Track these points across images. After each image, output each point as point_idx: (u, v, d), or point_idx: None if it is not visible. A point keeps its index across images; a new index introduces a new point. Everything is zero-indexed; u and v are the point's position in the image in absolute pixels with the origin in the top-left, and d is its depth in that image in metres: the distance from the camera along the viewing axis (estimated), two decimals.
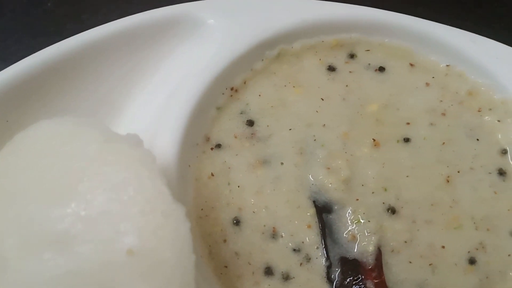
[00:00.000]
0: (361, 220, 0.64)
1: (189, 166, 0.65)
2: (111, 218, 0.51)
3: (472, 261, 0.64)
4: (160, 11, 0.70)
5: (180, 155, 0.63)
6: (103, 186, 0.51)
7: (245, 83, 0.71)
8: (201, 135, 0.68)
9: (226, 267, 0.62)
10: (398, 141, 0.70)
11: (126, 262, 0.50)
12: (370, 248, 0.63)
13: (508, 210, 0.68)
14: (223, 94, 0.70)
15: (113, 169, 0.52)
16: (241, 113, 0.70)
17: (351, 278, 0.61)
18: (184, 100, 0.65)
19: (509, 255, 0.65)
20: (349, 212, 0.65)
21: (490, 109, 0.72)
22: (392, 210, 0.65)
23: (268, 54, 0.72)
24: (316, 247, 0.63)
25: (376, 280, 0.60)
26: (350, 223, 0.64)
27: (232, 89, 0.70)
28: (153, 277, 0.50)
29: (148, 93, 0.70)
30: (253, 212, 0.65)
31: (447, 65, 0.74)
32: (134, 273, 0.50)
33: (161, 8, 0.71)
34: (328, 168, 0.67)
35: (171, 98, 0.66)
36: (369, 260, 0.62)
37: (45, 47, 0.67)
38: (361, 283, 0.60)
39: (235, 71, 0.70)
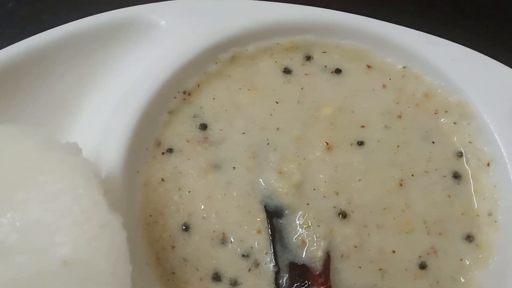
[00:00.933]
0: (311, 225, 0.64)
1: (138, 171, 0.65)
2: (46, 228, 0.50)
3: (423, 266, 0.64)
4: (112, 13, 0.69)
5: (127, 161, 0.63)
6: (38, 196, 0.51)
7: (198, 86, 0.71)
8: (151, 139, 0.67)
9: (173, 273, 0.62)
10: (351, 144, 0.69)
11: (61, 273, 0.49)
12: (319, 253, 0.63)
13: (462, 214, 0.67)
14: (175, 97, 0.69)
15: (49, 179, 0.52)
16: (194, 117, 0.70)
17: (298, 283, 0.61)
18: (133, 105, 0.65)
19: (461, 260, 0.65)
20: (299, 217, 0.64)
21: (446, 111, 0.71)
22: (343, 215, 0.65)
23: (222, 57, 0.71)
24: (265, 252, 0.63)
25: (322, 286, 0.60)
26: (300, 228, 0.64)
27: (185, 92, 0.70)
28: (88, 287, 0.50)
29: (101, 97, 0.69)
30: (203, 217, 0.64)
31: (403, 67, 0.73)
32: (69, 284, 0.50)
33: (113, 10, 0.70)
34: (280, 172, 0.67)
35: (120, 103, 0.65)
36: (318, 265, 0.62)
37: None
38: None
39: (187, 74, 0.69)
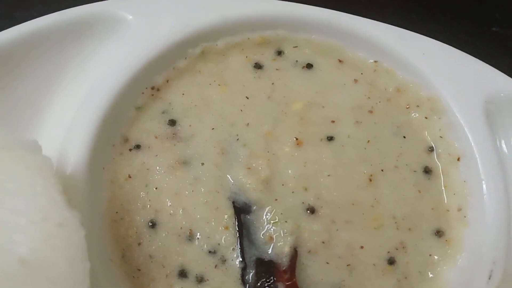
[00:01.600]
0: (278, 221, 0.64)
1: (104, 168, 0.64)
2: (3, 227, 0.50)
3: (391, 262, 0.64)
4: (79, 9, 0.69)
5: (92, 157, 0.62)
6: None
7: (168, 81, 0.70)
8: (118, 136, 0.66)
9: (139, 270, 0.62)
10: (321, 140, 0.69)
11: (18, 272, 0.49)
12: (286, 249, 0.62)
13: (432, 209, 0.67)
14: (143, 93, 0.68)
15: (7, 178, 0.51)
16: (163, 113, 0.69)
17: (264, 279, 0.61)
18: (98, 101, 0.64)
19: (430, 255, 0.65)
20: (267, 213, 0.64)
21: (418, 106, 0.71)
22: (311, 210, 0.65)
23: (191, 52, 0.70)
24: (232, 248, 0.63)
25: (288, 282, 0.60)
26: (267, 224, 0.64)
27: (153, 88, 0.69)
28: (46, 286, 0.49)
29: (69, 94, 0.68)
30: (170, 214, 0.64)
31: (375, 61, 0.72)
32: (27, 283, 0.49)
33: (80, 6, 0.69)
34: (249, 168, 0.66)
35: (86, 99, 0.65)
36: (284, 261, 0.62)
37: None
38: (272, 285, 0.60)
39: (156, 70, 0.68)
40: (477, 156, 0.66)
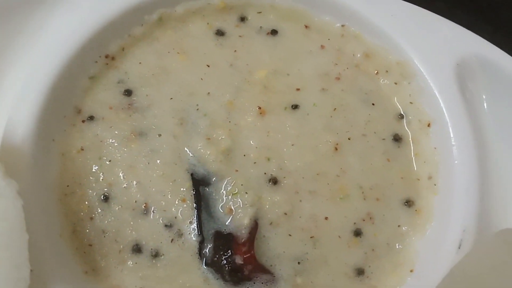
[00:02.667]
0: (238, 192, 0.60)
1: (54, 140, 0.61)
2: None
3: (357, 233, 0.61)
4: None
5: (40, 128, 0.59)
6: None
7: (123, 50, 0.67)
8: (70, 106, 0.63)
9: (90, 245, 0.59)
10: (285, 109, 0.65)
11: None
12: (245, 221, 0.59)
13: (402, 178, 0.64)
14: (96, 62, 0.65)
15: None
16: (118, 83, 0.65)
17: (221, 253, 0.58)
18: (47, 70, 0.61)
19: (398, 226, 0.62)
20: (226, 184, 0.61)
21: (387, 71, 0.67)
22: (274, 181, 0.62)
23: (147, 19, 0.67)
24: (189, 222, 0.60)
25: (245, 255, 0.57)
26: (227, 196, 0.61)
27: (107, 56, 0.66)
28: None
29: (19, 64, 0.65)
30: (124, 187, 0.61)
31: (342, 25, 0.69)
32: None
33: None
34: (208, 139, 0.63)
35: (34, 68, 0.61)
36: (244, 233, 0.59)
37: None
38: (229, 259, 0.57)
39: (109, 37, 0.65)
40: (448, 121, 0.62)
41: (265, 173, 0.62)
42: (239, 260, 0.57)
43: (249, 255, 0.57)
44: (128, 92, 0.65)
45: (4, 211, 0.47)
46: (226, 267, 0.57)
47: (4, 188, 0.48)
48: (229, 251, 0.57)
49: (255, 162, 0.62)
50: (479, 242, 0.56)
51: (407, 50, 0.65)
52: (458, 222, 0.58)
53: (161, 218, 0.60)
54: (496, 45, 0.65)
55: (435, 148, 0.63)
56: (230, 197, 0.60)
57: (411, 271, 0.59)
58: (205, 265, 0.58)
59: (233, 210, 0.60)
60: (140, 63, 0.67)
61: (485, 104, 0.65)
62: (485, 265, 0.51)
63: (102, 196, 0.60)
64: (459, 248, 0.57)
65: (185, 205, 0.60)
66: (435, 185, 0.62)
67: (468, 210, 0.58)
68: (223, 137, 0.63)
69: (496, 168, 0.63)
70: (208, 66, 0.67)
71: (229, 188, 0.61)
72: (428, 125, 0.64)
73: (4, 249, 0.47)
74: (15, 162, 0.57)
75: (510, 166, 0.63)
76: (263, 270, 0.58)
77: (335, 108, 0.66)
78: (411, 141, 0.65)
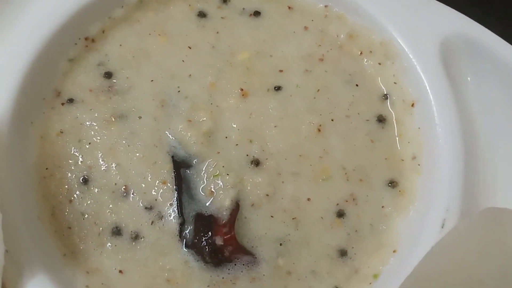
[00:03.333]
0: (219, 174, 0.60)
1: (32, 123, 0.60)
2: None
3: (340, 214, 0.60)
4: None
5: (18, 111, 0.58)
6: None
7: (103, 32, 0.66)
8: (49, 89, 0.62)
9: (69, 228, 0.58)
10: (268, 90, 0.65)
11: None
12: (226, 202, 0.58)
13: (386, 159, 0.63)
14: (76, 44, 0.64)
15: None
16: (98, 65, 0.65)
17: (202, 234, 0.57)
18: (25, 52, 0.60)
19: (382, 207, 0.61)
20: (208, 166, 0.60)
21: (371, 52, 0.67)
22: (256, 163, 0.61)
23: (128, 1, 0.66)
24: (170, 204, 0.59)
25: (226, 236, 0.56)
26: (208, 178, 0.60)
27: (87, 39, 0.65)
28: None
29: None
30: (104, 170, 0.60)
31: (325, 6, 0.68)
32: None
33: None
34: (190, 121, 0.62)
35: (13, 50, 0.60)
36: (225, 215, 0.58)
37: None
38: (209, 240, 0.56)
39: (89, 19, 0.64)
40: (432, 100, 0.62)
41: (247, 155, 0.61)
42: (219, 241, 0.56)
43: (229, 236, 0.56)
44: (108, 75, 0.64)
45: None
46: (206, 248, 0.56)
47: None
48: (209, 232, 0.57)
49: (237, 144, 0.62)
50: (462, 220, 0.56)
51: (390, 30, 0.65)
52: (442, 201, 0.58)
53: (141, 201, 0.59)
54: None
55: (419, 128, 0.63)
56: (211, 179, 0.60)
57: (394, 251, 0.59)
58: (185, 247, 0.57)
59: (214, 192, 0.59)
60: (120, 45, 0.66)
61: (470, 83, 0.64)
62: (467, 243, 0.51)
63: (82, 178, 0.60)
64: (442, 227, 0.56)
65: (165, 187, 0.60)
66: (419, 165, 0.62)
67: (451, 190, 0.58)
68: (204, 119, 0.62)
69: (481, 148, 0.62)
70: (190, 48, 0.66)
71: (210, 170, 0.60)
72: (412, 105, 0.63)
73: None
74: None
75: (495, 145, 0.63)
76: (244, 251, 0.57)
77: (319, 90, 0.65)
78: (395, 122, 0.64)
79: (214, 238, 0.56)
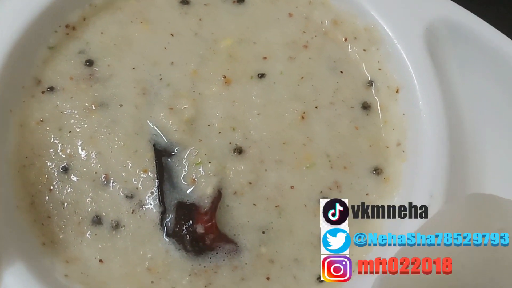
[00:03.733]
0: (201, 162, 0.59)
1: (11, 111, 0.59)
2: None
3: None
4: None
5: None
6: None
7: (84, 20, 0.65)
8: (28, 77, 0.61)
9: (49, 217, 0.57)
10: (251, 78, 0.64)
11: None
12: (208, 190, 0.58)
13: (370, 146, 0.63)
14: (56, 32, 0.63)
15: None
16: (79, 53, 0.64)
17: (182, 223, 0.56)
18: (2, 40, 0.59)
19: (366, 195, 0.61)
20: (189, 154, 0.59)
21: (356, 38, 0.66)
22: (239, 151, 0.60)
23: None
24: (151, 192, 0.58)
25: (207, 223, 0.56)
26: (190, 166, 0.59)
27: (67, 26, 0.64)
28: None
29: None
30: (84, 158, 0.59)
31: None
32: None
33: None
34: (171, 108, 0.61)
35: None
36: (206, 203, 0.57)
37: None
38: (191, 228, 0.56)
39: (69, 6, 0.63)
40: (416, 85, 0.61)
41: (230, 143, 0.60)
42: (200, 229, 0.55)
43: (210, 224, 0.55)
44: (89, 63, 0.63)
45: None
46: (187, 236, 0.55)
47: None
48: (190, 221, 0.56)
49: (219, 132, 0.61)
50: (446, 205, 0.55)
51: (374, 15, 0.64)
52: (426, 188, 0.57)
53: (121, 189, 0.58)
54: None
55: (403, 114, 0.62)
56: (193, 167, 0.59)
57: None
58: (166, 235, 0.57)
59: (196, 180, 0.58)
60: (102, 33, 0.65)
61: (455, 69, 0.64)
62: (450, 227, 0.50)
63: (62, 167, 0.59)
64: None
65: (146, 176, 0.59)
66: (403, 151, 0.61)
67: (435, 176, 0.57)
68: (186, 106, 0.61)
69: (467, 134, 0.62)
70: (172, 35, 0.66)
71: (192, 158, 0.59)
72: (397, 91, 0.63)
73: None
74: None
75: (482, 131, 0.62)
76: (226, 239, 0.56)
77: (303, 77, 0.64)
78: (379, 109, 0.64)
79: (195, 226, 0.56)
